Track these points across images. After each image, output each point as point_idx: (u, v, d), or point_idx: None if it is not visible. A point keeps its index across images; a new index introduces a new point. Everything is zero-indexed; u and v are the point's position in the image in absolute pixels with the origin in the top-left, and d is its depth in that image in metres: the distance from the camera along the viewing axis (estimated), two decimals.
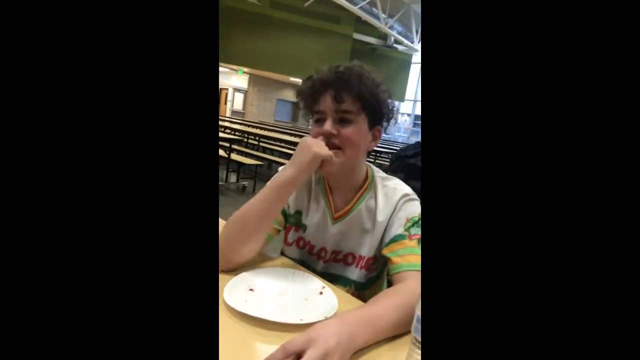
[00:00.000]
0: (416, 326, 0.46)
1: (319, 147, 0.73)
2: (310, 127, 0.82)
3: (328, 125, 0.75)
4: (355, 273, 0.83)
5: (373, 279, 0.86)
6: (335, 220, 0.83)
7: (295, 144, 5.47)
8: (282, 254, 0.91)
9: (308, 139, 0.75)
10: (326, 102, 0.75)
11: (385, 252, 0.77)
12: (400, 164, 1.46)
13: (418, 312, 0.46)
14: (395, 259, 0.73)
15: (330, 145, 0.75)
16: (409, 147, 1.56)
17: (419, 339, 0.45)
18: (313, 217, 0.86)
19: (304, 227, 0.87)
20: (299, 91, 0.81)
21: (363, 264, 0.83)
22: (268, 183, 0.77)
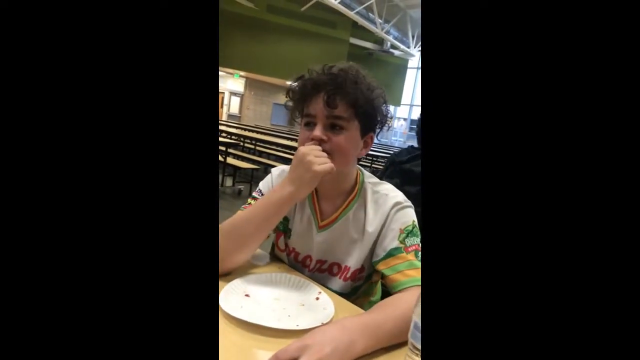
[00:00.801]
0: (413, 332, 0.45)
1: (319, 162, 0.68)
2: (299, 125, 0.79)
3: (318, 131, 0.71)
4: (337, 284, 0.81)
5: (357, 287, 0.84)
6: (321, 228, 0.81)
7: (291, 147, 5.51)
8: (278, 259, 0.90)
9: (306, 150, 0.70)
10: (318, 106, 0.71)
11: (382, 267, 0.73)
12: (395, 170, 1.45)
13: (416, 318, 0.45)
14: (396, 276, 0.70)
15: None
16: (403, 151, 1.54)
17: (416, 345, 0.45)
18: (298, 225, 0.84)
19: (289, 234, 0.86)
20: (289, 90, 0.77)
21: (348, 274, 0.80)
22: (266, 195, 0.76)
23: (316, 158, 0.69)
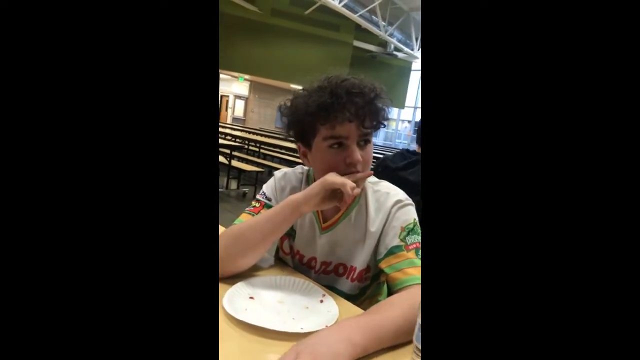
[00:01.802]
0: (418, 335, 0.45)
1: (337, 177, 0.68)
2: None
3: (358, 154, 0.71)
4: (346, 285, 0.80)
5: (365, 288, 0.84)
6: (324, 230, 0.81)
7: (295, 150, 5.47)
8: (282, 262, 0.90)
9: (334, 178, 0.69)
10: (350, 128, 0.70)
11: (383, 265, 0.73)
12: (387, 175, 1.40)
13: (420, 320, 0.45)
14: (396, 275, 0.70)
15: (352, 172, 0.71)
16: (397, 156, 1.47)
17: (420, 346, 0.45)
18: (302, 227, 0.84)
19: (293, 236, 0.86)
20: (298, 106, 0.74)
21: (355, 275, 0.79)
22: (276, 205, 0.76)
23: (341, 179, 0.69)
